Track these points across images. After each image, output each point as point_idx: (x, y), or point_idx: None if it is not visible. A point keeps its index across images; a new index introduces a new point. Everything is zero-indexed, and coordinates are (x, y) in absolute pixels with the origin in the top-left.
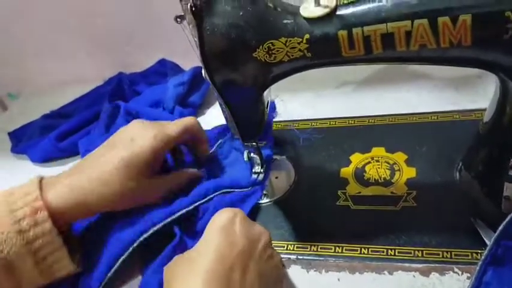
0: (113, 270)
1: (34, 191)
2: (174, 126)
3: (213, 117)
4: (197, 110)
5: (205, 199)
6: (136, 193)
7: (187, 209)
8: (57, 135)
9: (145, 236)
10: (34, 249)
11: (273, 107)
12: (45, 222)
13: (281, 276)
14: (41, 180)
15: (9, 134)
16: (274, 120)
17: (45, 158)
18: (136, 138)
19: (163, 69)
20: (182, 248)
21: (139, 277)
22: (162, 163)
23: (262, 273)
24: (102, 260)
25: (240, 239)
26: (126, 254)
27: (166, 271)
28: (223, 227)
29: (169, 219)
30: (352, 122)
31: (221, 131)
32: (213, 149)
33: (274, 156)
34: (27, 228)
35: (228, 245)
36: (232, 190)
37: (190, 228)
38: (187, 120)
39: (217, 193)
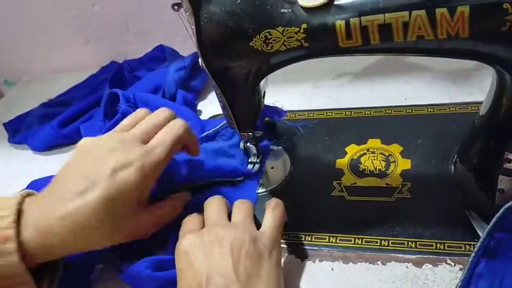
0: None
1: (9, 215)
2: (161, 148)
3: (215, 101)
4: (199, 94)
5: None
6: (119, 234)
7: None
8: (60, 121)
9: None
10: None
11: (281, 114)
12: (11, 254)
13: None
14: (22, 200)
15: (4, 124)
16: None
17: (47, 146)
18: (118, 169)
19: (162, 55)
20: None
21: None
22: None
23: None
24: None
25: (202, 266)
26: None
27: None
28: (186, 252)
29: None
30: (349, 113)
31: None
32: (217, 127)
33: (271, 147)
34: None
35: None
36: (230, 180)
37: None
38: (176, 129)
39: (216, 179)
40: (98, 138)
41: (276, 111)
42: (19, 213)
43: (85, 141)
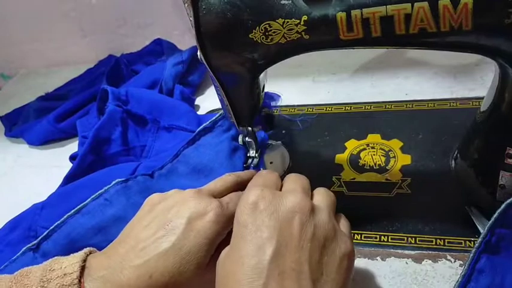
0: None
1: (73, 272)
2: (235, 199)
3: (213, 96)
4: (197, 89)
5: None
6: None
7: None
8: (56, 116)
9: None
10: None
11: (276, 99)
12: None
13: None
14: (86, 257)
15: (1, 118)
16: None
17: (43, 140)
18: (193, 221)
19: (159, 48)
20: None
21: None
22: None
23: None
24: None
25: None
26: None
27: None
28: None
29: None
30: (348, 108)
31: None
32: (214, 118)
33: (270, 141)
34: None
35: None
36: None
37: None
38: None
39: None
40: (166, 193)
41: (271, 97)
42: (82, 270)
43: (153, 196)
